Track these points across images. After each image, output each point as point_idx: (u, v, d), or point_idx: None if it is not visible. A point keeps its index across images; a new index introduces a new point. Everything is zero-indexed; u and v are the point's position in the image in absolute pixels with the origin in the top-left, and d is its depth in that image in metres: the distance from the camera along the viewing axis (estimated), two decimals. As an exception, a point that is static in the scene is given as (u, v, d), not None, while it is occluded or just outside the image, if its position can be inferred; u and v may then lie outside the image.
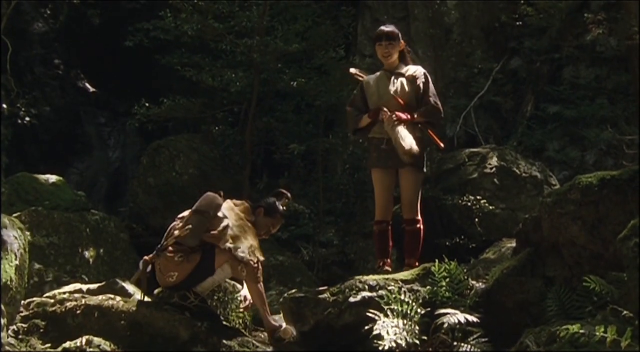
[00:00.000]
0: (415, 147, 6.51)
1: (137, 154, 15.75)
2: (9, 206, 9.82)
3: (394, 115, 6.61)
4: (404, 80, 6.84)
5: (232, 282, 6.68)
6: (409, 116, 6.67)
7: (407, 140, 6.55)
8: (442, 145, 7.33)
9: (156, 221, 11.44)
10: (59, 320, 5.77)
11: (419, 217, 6.78)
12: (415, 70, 6.91)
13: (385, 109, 6.67)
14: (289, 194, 6.64)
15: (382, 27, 7.02)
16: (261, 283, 6.07)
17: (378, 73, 7.02)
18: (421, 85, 6.81)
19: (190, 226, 5.95)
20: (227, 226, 6.00)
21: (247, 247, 5.97)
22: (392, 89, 6.80)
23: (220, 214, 6.04)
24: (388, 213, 6.95)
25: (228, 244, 5.92)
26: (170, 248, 5.97)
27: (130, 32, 13.66)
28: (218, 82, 13.15)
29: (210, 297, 6.45)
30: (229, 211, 6.13)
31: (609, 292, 4.30)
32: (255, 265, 5.96)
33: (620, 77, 12.87)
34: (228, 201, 6.27)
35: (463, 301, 5.25)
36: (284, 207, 6.57)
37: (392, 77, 6.88)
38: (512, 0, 14.36)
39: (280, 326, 5.99)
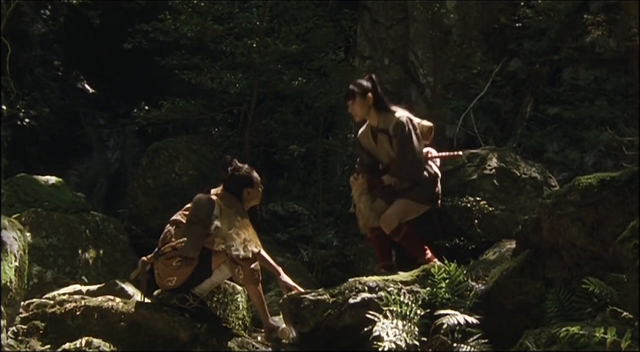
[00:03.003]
0: (370, 225, 6.77)
1: (137, 155, 15.77)
2: (8, 207, 9.82)
3: (364, 182, 6.82)
4: (384, 137, 6.88)
5: (232, 283, 6.68)
6: (378, 182, 6.82)
7: (365, 214, 6.81)
8: (459, 153, 7.56)
9: (156, 222, 11.41)
10: (59, 321, 5.77)
11: (397, 225, 6.78)
12: (392, 122, 6.82)
13: (354, 177, 6.97)
14: (227, 157, 6.49)
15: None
16: (260, 285, 6.06)
17: (364, 126, 7.07)
18: (395, 140, 6.80)
19: (191, 238, 5.96)
20: (217, 227, 5.99)
21: (240, 243, 5.93)
22: (378, 147, 6.93)
23: (218, 223, 6.03)
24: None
25: (221, 246, 5.91)
26: (167, 254, 5.98)
27: (130, 34, 13.66)
28: (217, 83, 13.15)
29: (210, 298, 6.45)
30: (216, 208, 6.12)
31: (609, 294, 4.30)
32: (253, 266, 5.93)
33: (620, 78, 12.86)
34: (212, 194, 6.26)
35: (463, 302, 5.25)
36: (229, 163, 6.34)
37: (377, 134, 6.94)
38: (511, 1, 14.37)
39: (279, 327, 5.99)
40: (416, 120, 6.96)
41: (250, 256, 5.92)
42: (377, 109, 6.88)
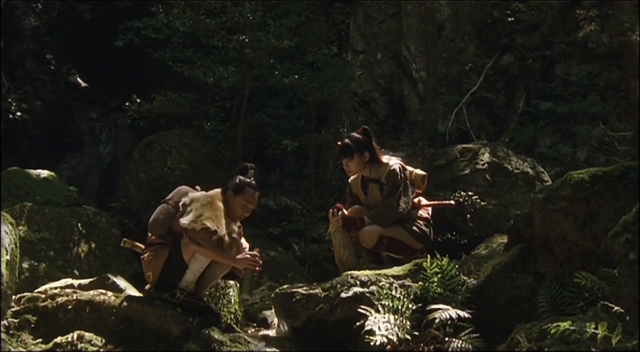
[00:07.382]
0: (348, 262, 6.70)
1: (129, 149, 15.70)
2: (0, 200, 9.79)
3: (340, 219, 6.77)
4: (375, 187, 6.87)
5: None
6: (356, 222, 6.76)
7: (340, 252, 6.78)
8: (451, 202, 7.61)
9: (148, 216, 11.19)
10: (50, 315, 5.77)
11: (378, 239, 6.72)
12: (384, 172, 6.82)
13: (332, 212, 6.90)
14: (252, 165, 6.36)
15: (341, 141, 7.01)
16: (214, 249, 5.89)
17: (357, 175, 7.04)
18: (386, 188, 6.80)
19: (157, 214, 6.07)
20: (184, 204, 5.93)
21: (196, 216, 5.80)
22: (368, 197, 6.91)
23: (187, 199, 5.96)
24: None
25: (182, 220, 5.85)
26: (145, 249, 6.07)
27: (121, 31, 13.59)
28: (210, 77, 13.11)
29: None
30: (198, 194, 6.07)
31: (600, 289, 4.31)
32: (202, 229, 5.77)
33: (612, 73, 12.90)
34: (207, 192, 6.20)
35: (454, 297, 5.26)
36: (252, 179, 6.23)
37: (367, 183, 6.94)
38: (504, -4, 14.42)
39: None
40: (409, 168, 6.96)
41: (199, 227, 5.77)
42: (371, 163, 6.88)
